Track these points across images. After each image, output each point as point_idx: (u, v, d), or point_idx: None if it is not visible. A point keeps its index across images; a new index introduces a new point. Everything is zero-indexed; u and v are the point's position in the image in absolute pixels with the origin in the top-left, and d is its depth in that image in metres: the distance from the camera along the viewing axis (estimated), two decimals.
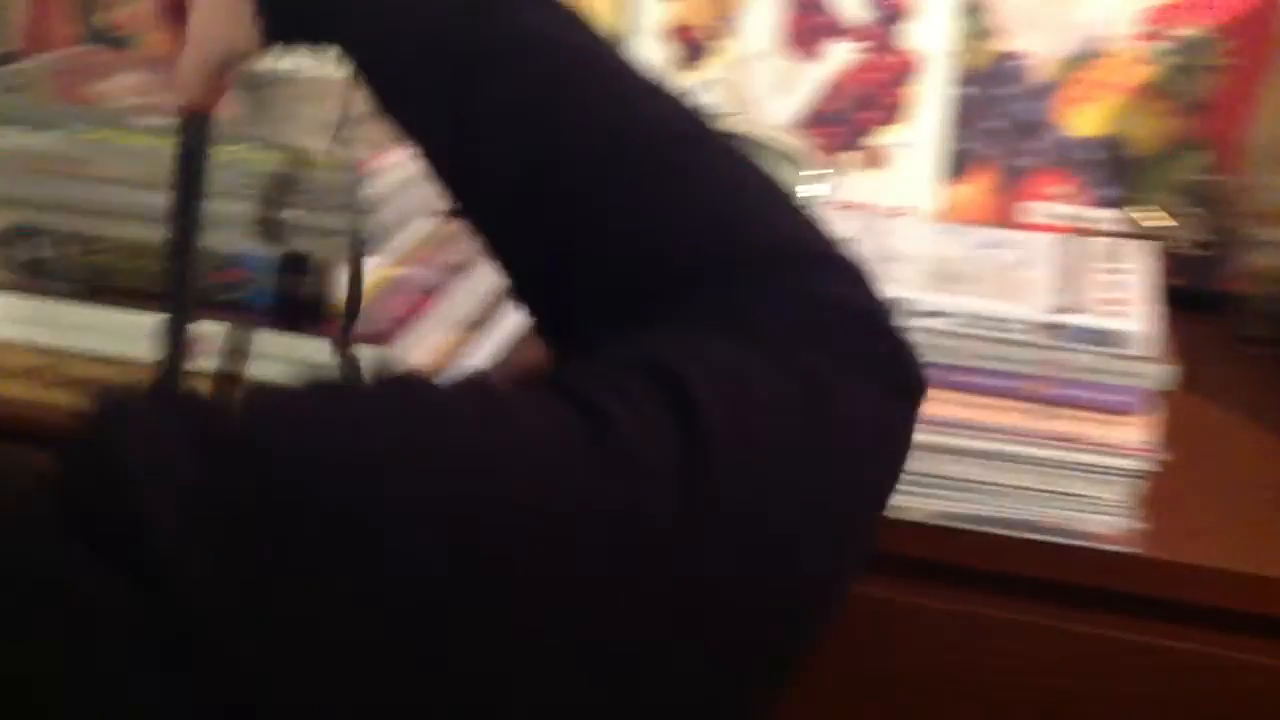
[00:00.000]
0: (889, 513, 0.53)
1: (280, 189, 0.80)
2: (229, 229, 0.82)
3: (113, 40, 1.21)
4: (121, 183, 0.83)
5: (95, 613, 0.36)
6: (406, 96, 0.57)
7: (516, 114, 0.54)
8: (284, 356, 0.83)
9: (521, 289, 0.57)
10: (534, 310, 0.57)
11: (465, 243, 0.93)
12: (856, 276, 0.53)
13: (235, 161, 0.81)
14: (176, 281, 0.79)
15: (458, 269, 0.92)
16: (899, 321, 0.53)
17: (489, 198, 0.56)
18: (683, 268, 0.52)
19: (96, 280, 0.88)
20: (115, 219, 0.85)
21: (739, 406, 0.47)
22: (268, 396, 0.43)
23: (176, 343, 0.83)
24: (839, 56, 1.09)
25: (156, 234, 0.81)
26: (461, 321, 0.91)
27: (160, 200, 0.69)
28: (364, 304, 0.86)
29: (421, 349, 0.86)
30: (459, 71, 0.55)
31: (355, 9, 0.57)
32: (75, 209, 0.85)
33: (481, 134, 0.54)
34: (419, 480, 0.40)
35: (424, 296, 0.88)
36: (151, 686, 0.35)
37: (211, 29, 0.61)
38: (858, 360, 0.51)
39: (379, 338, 0.83)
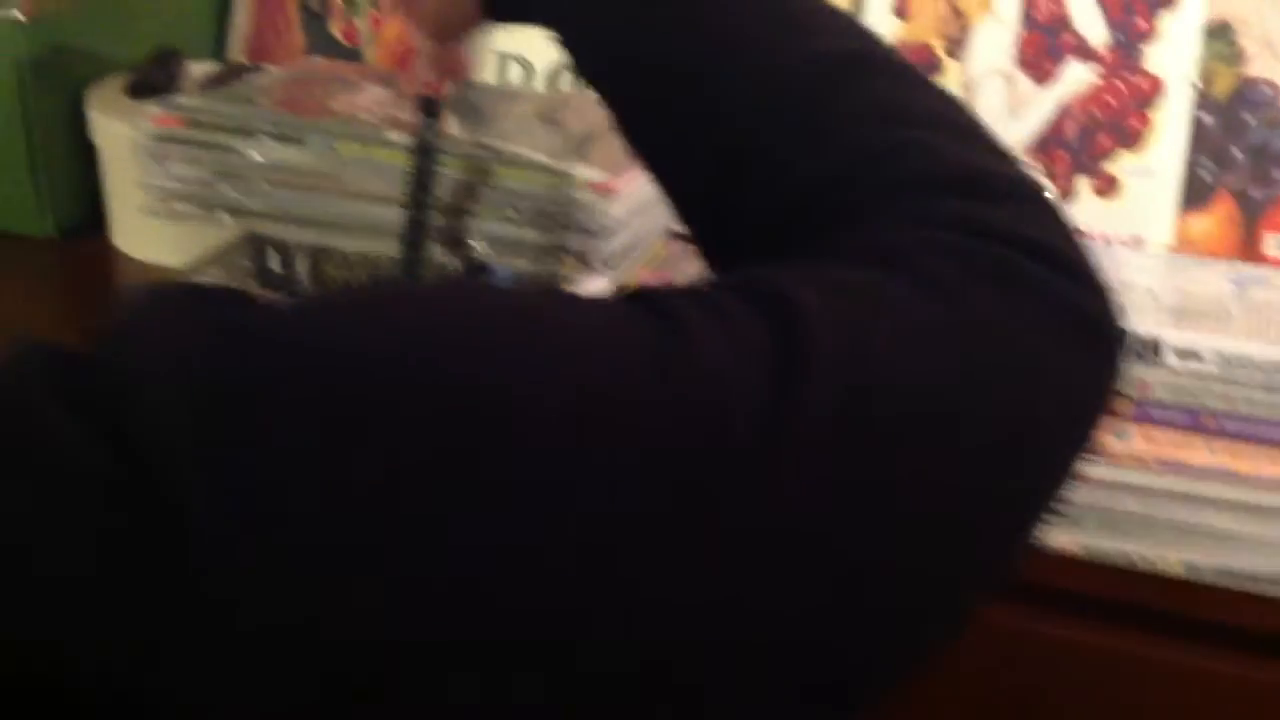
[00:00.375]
0: (1132, 564, 0.49)
1: (527, 206, 0.80)
2: (474, 243, 0.83)
3: (340, 52, 1.23)
4: (364, 197, 0.84)
5: (69, 467, 0.33)
6: (598, 49, 0.59)
7: (687, 43, 0.55)
8: None
9: (686, 217, 0.57)
10: (697, 240, 0.57)
11: (688, 264, 0.93)
12: (1045, 213, 0.48)
13: (486, 179, 0.82)
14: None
15: None
16: (1096, 267, 0.47)
17: (652, 122, 0.57)
18: (831, 195, 0.50)
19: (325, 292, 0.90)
20: (352, 232, 0.86)
21: (856, 316, 0.41)
22: (323, 295, 0.40)
23: None
24: (1075, 79, 1.06)
25: (393, 247, 0.83)
26: None
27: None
28: None
29: None
30: (634, 14, 0.56)
31: None
32: (313, 221, 0.86)
33: (655, 65, 0.56)
34: (424, 380, 0.35)
35: None
36: (119, 550, 0.33)
37: (433, 8, 0.66)
38: (1033, 299, 0.44)
39: None
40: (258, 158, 0.86)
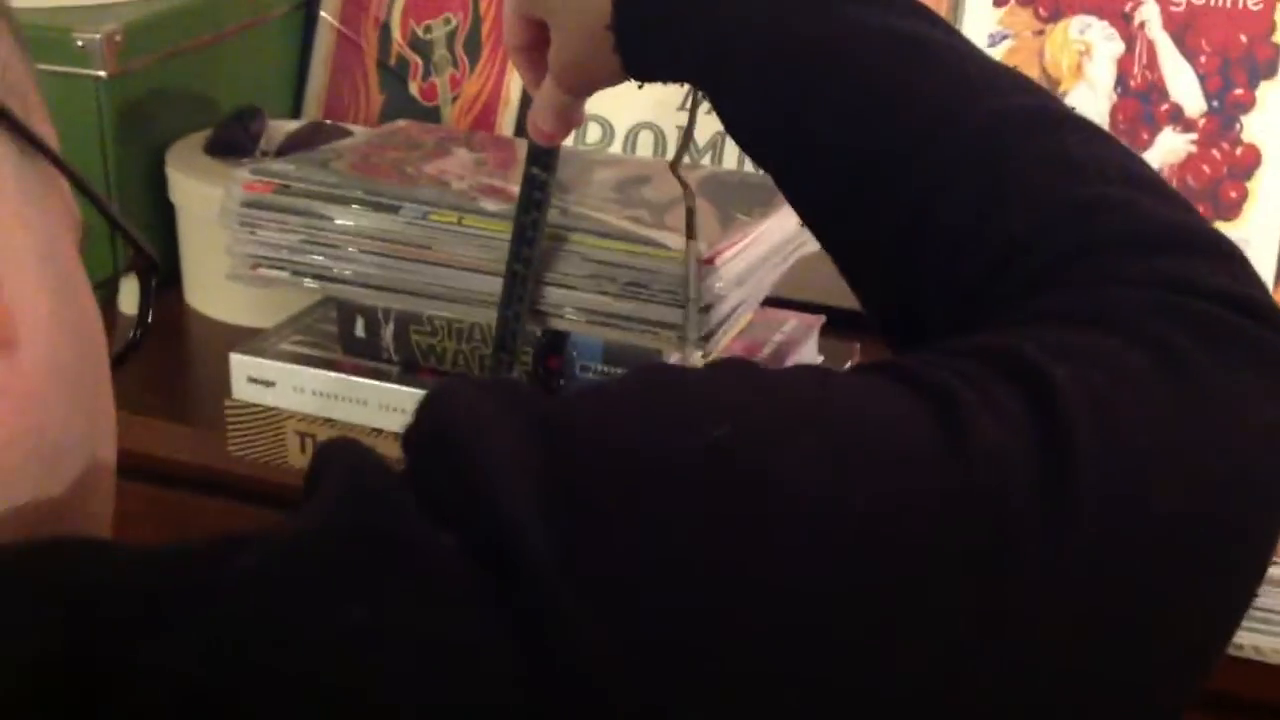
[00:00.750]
0: None
1: (620, 278, 0.79)
2: (564, 313, 0.82)
3: (419, 111, 1.23)
4: (455, 265, 0.82)
5: (447, 579, 0.34)
6: (747, 108, 0.59)
7: (854, 105, 0.55)
8: None
9: (861, 281, 0.57)
10: (868, 300, 0.56)
11: (770, 331, 0.91)
12: (1235, 263, 0.49)
13: (575, 248, 0.80)
14: (506, 337, 0.79)
15: (774, 358, 0.89)
16: None
17: (826, 185, 0.56)
18: (1034, 255, 0.49)
19: (417, 358, 0.88)
20: (442, 300, 0.85)
21: (1101, 389, 0.42)
22: (598, 386, 0.42)
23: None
24: (1169, 146, 1.04)
25: (487, 315, 0.82)
26: None
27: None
28: None
29: None
30: (793, 72, 0.56)
31: (699, 35, 0.58)
32: (403, 289, 0.85)
33: (820, 130, 0.55)
34: (770, 466, 0.38)
35: None
36: (495, 652, 0.34)
37: (573, 61, 0.64)
38: (1251, 356, 0.45)
39: None
40: (349, 225, 0.85)
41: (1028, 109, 0.53)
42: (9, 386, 0.39)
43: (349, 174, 0.88)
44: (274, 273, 0.88)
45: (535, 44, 0.67)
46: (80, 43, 1.06)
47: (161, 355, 1.08)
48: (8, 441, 0.39)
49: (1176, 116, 1.03)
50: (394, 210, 0.84)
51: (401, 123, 1.02)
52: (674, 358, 0.79)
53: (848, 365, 0.95)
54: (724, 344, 0.80)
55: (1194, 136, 1.03)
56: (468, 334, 0.85)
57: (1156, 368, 0.43)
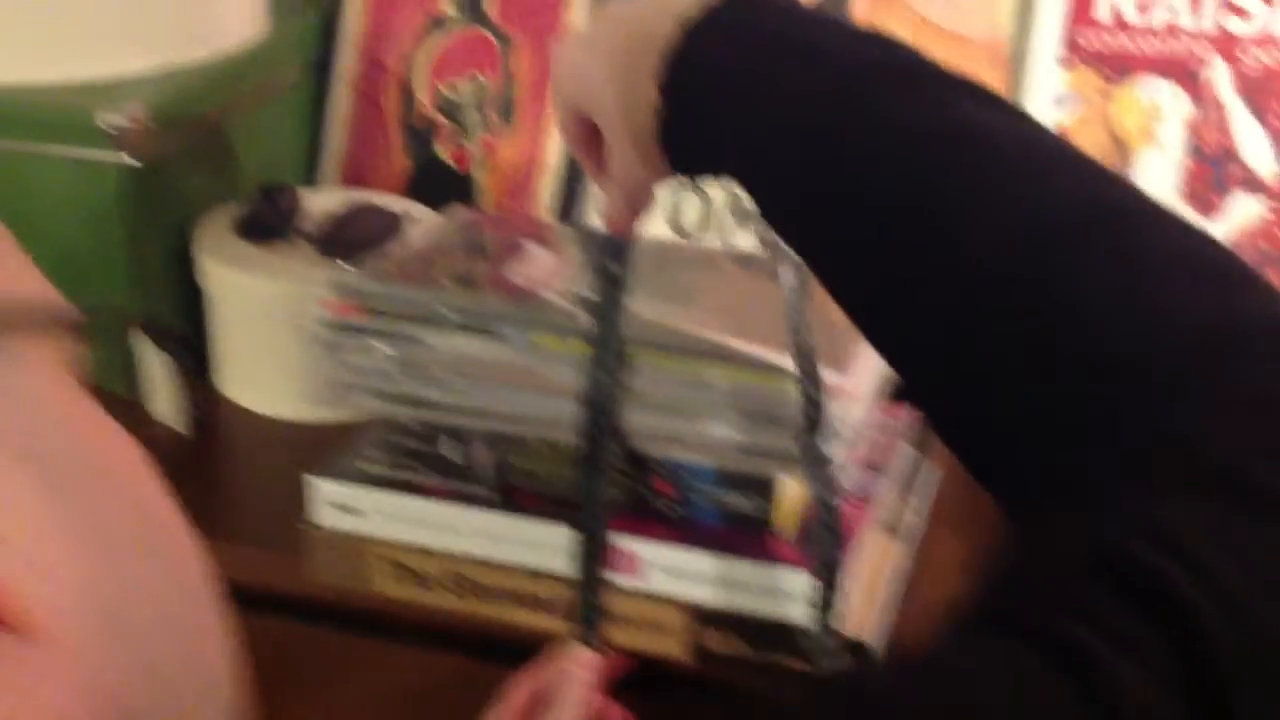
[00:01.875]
0: None
1: (740, 408, 0.75)
2: (668, 442, 0.78)
3: (449, 177, 1.17)
4: (559, 391, 0.78)
5: None
6: (789, 207, 0.59)
7: (910, 209, 0.53)
8: (723, 579, 0.78)
9: (922, 396, 0.55)
10: (941, 426, 0.54)
11: (884, 440, 0.88)
12: None
13: (682, 375, 0.77)
14: (590, 474, 0.76)
15: (877, 469, 0.86)
16: None
17: (885, 293, 0.55)
18: (1133, 371, 0.46)
19: (513, 482, 0.84)
20: (543, 424, 0.80)
21: (1257, 624, 0.39)
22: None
23: (592, 558, 0.79)
24: (1243, 212, 1.02)
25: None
26: (883, 524, 0.86)
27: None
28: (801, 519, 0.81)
29: (862, 562, 0.81)
30: (842, 171, 0.55)
31: (736, 129, 0.59)
32: (502, 414, 0.81)
33: (872, 233, 0.54)
34: None
35: (858, 502, 0.83)
36: None
37: (627, 164, 0.65)
38: None
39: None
40: (445, 349, 0.80)
41: (1104, 200, 0.51)
42: (39, 681, 0.31)
43: (435, 291, 0.83)
44: (360, 397, 0.83)
45: (590, 136, 0.68)
46: (106, 128, 1.00)
47: (208, 461, 1.02)
48: None
49: (1249, 180, 1.02)
50: (495, 335, 0.79)
51: (461, 211, 0.98)
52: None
53: (938, 454, 0.92)
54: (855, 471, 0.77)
55: (1267, 200, 1.01)
56: (569, 457, 0.81)
57: (1273, 529, 0.40)
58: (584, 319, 0.78)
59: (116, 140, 1.00)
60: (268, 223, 1.06)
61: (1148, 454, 0.44)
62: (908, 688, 0.40)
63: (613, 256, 0.76)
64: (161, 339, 0.41)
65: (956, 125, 0.54)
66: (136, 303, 1.05)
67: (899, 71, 0.57)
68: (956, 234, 0.52)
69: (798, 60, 0.58)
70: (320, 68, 1.21)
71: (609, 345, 0.76)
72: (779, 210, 0.61)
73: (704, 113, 0.61)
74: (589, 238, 0.94)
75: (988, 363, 0.50)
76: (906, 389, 0.56)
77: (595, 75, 0.64)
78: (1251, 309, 0.47)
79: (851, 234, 0.56)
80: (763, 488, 0.79)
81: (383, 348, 0.81)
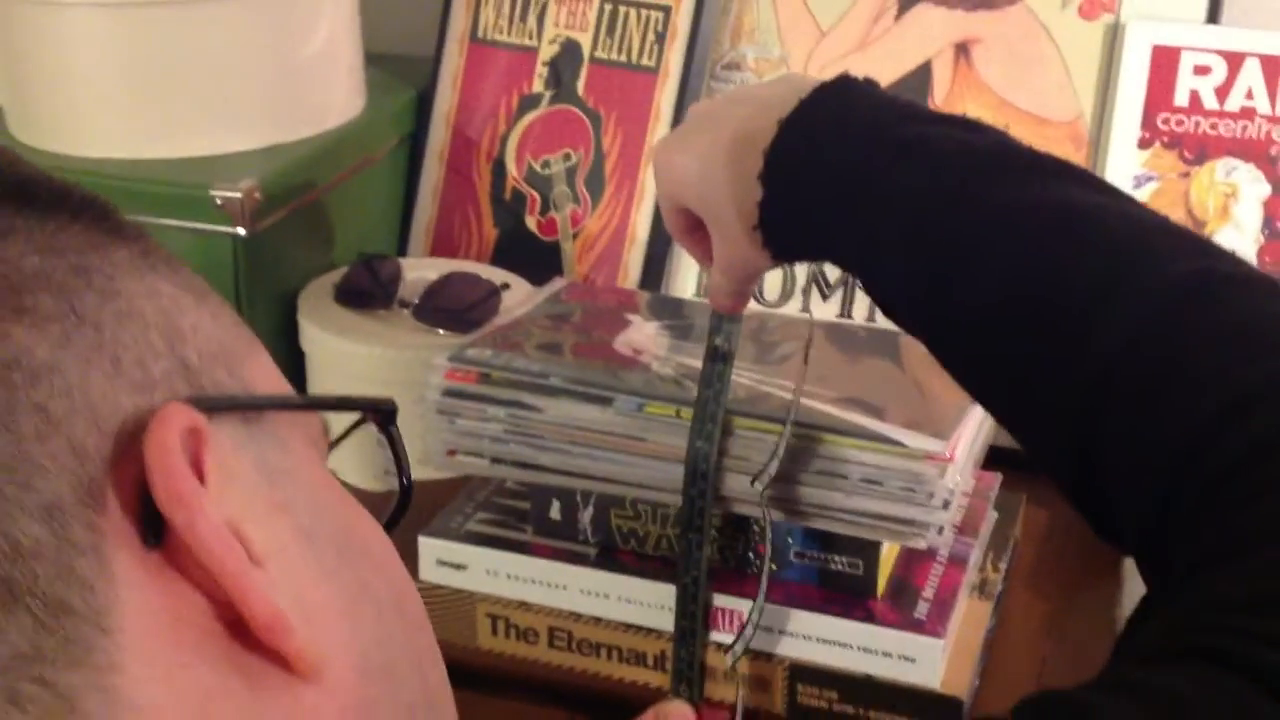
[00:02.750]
0: None
1: (853, 474, 0.78)
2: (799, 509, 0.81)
3: (538, 246, 1.21)
4: (672, 458, 0.81)
5: None
6: (902, 297, 0.62)
7: (1015, 292, 0.55)
8: (821, 637, 0.81)
9: (1050, 470, 0.57)
10: (1040, 459, 0.57)
11: (973, 505, 0.91)
12: None
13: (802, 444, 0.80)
14: (691, 535, 0.79)
15: (968, 533, 0.89)
16: None
17: (1001, 381, 0.58)
18: (1223, 447, 0.47)
19: (616, 541, 0.87)
20: (650, 488, 0.83)
21: None
22: None
23: (689, 616, 0.82)
24: None
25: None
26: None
27: None
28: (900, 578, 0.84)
29: (957, 621, 0.83)
30: (943, 265, 0.58)
31: (840, 222, 0.62)
32: (610, 477, 0.84)
33: (977, 322, 0.57)
34: None
35: (954, 565, 0.86)
36: None
37: (731, 255, 0.69)
38: None
39: (929, 625, 0.80)
40: (556, 416, 0.83)
41: (1208, 272, 0.52)
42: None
43: (548, 359, 0.86)
44: (471, 460, 0.86)
45: (694, 228, 0.71)
46: (219, 201, 1.04)
47: None
48: None
49: None
50: (606, 402, 0.83)
51: (561, 282, 1.01)
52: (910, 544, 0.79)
53: (1019, 517, 0.95)
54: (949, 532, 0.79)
55: None
56: (673, 518, 0.84)
57: None
58: (690, 388, 0.81)
59: (229, 213, 1.05)
60: (367, 290, 1.10)
61: None
62: (1129, 710, 0.41)
63: (720, 332, 0.79)
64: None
65: (1061, 206, 0.57)
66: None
67: (993, 155, 0.60)
68: (1073, 316, 0.53)
69: (893, 150, 0.61)
70: (414, 142, 1.26)
71: (715, 414, 0.79)
72: (893, 298, 0.63)
73: (809, 208, 0.64)
74: (671, 304, 0.97)
75: (1118, 439, 0.52)
76: (1033, 459, 0.58)
77: (699, 174, 0.68)
78: None
79: (966, 318, 0.58)
80: (859, 549, 0.81)
81: (498, 413, 0.84)
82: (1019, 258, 0.56)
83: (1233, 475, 0.47)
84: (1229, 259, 0.55)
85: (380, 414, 0.45)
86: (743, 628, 0.79)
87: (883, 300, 0.64)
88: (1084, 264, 0.54)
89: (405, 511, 0.46)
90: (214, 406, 0.37)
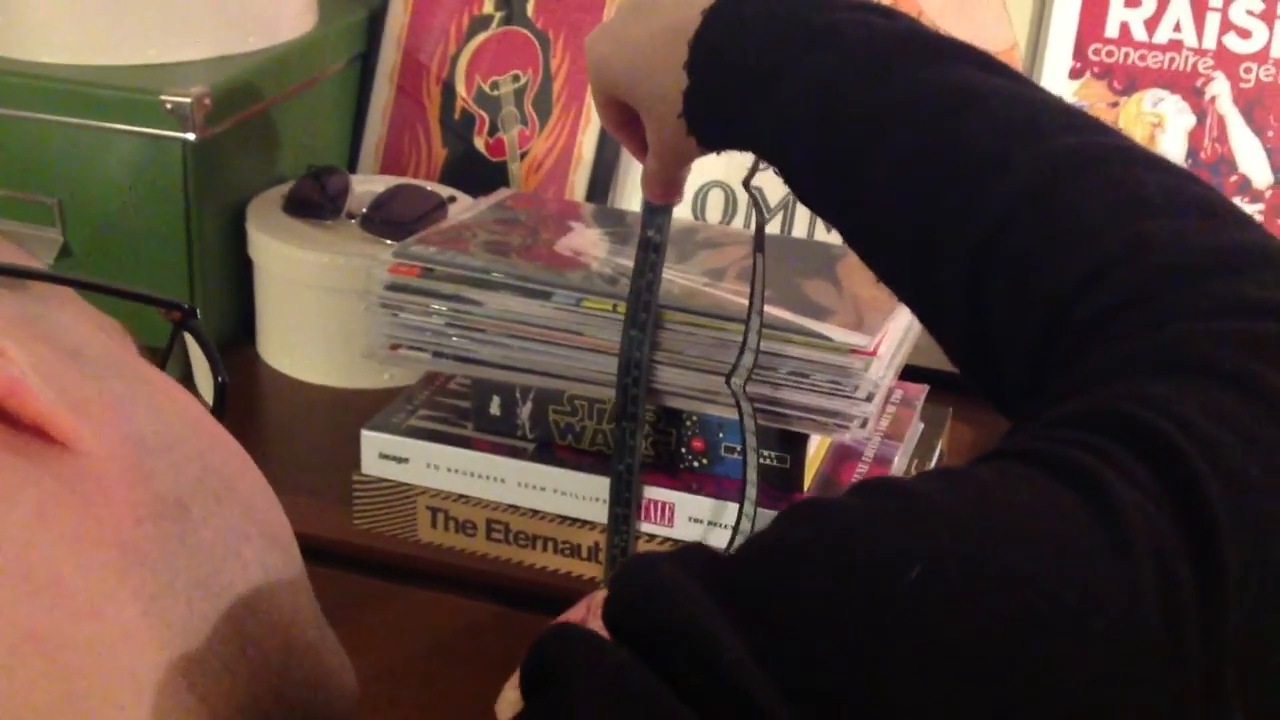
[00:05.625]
0: None
1: (780, 367, 0.81)
2: (706, 398, 0.84)
3: (487, 166, 1.23)
4: (609, 351, 0.84)
5: None
6: (813, 179, 0.65)
7: (909, 162, 0.59)
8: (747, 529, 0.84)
9: (932, 328, 0.61)
10: (947, 348, 0.60)
11: (900, 414, 0.94)
12: None
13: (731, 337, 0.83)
14: (627, 405, 0.82)
15: (895, 439, 0.92)
16: None
17: (892, 244, 0.61)
18: (1085, 304, 0.51)
19: (554, 436, 0.90)
20: (586, 381, 0.86)
21: (1216, 442, 0.43)
22: (775, 542, 0.43)
23: (624, 503, 0.85)
24: None
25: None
26: None
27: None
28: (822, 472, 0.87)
29: None
30: (857, 139, 0.61)
31: (758, 109, 0.65)
32: (547, 371, 0.86)
33: (878, 191, 0.60)
34: (967, 611, 0.40)
35: (880, 468, 0.89)
36: None
37: (661, 142, 0.72)
38: None
39: None
40: (496, 309, 0.86)
41: (1091, 145, 0.55)
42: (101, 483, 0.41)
43: (492, 258, 0.89)
44: (414, 354, 0.89)
45: (628, 120, 0.75)
46: (169, 106, 1.06)
47: (253, 423, 1.08)
48: None
49: (1245, 187, 1.08)
50: (545, 296, 0.85)
51: (506, 192, 1.03)
52: (834, 438, 0.81)
53: (945, 429, 0.98)
54: (872, 425, 0.82)
55: (1261, 207, 1.08)
56: (608, 413, 0.87)
57: (1246, 403, 0.44)
58: (626, 282, 0.84)
59: (180, 119, 1.06)
60: (315, 201, 1.12)
61: (1144, 349, 0.48)
62: (939, 486, 0.43)
63: (652, 224, 0.82)
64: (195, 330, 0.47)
65: (961, 88, 0.59)
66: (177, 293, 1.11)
67: (901, 40, 0.62)
68: (966, 186, 0.56)
69: (806, 38, 0.63)
70: (365, 62, 1.28)
71: (649, 303, 0.82)
72: (806, 180, 0.66)
73: (730, 96, 0.66)
74: (613, 214, 1.00)
75: (1001, 296, 0.55)
76: (930, 327, 0.62)
77: (629, 64, 0.71)
78: (1239, 237, 0.51)
79: (869, 195, 0.61)
80: (786, 443, 0.84)
81: (440, 307, 0.87)
82: (918, 135, 0.59)
83: (1092, 330, 0.50)
84: (1115, 134, 0.58)
85: (177, 312, 0.51)
86: (736, 523, 0.82)
87: (797, 186, 0.67)
88: (979, 139, 0.57)
89: (223, 400, 0.52)
90: None
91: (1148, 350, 0.48)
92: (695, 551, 0.42)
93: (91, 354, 0.45)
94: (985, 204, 0.56)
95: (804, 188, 0.67)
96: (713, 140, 0.70)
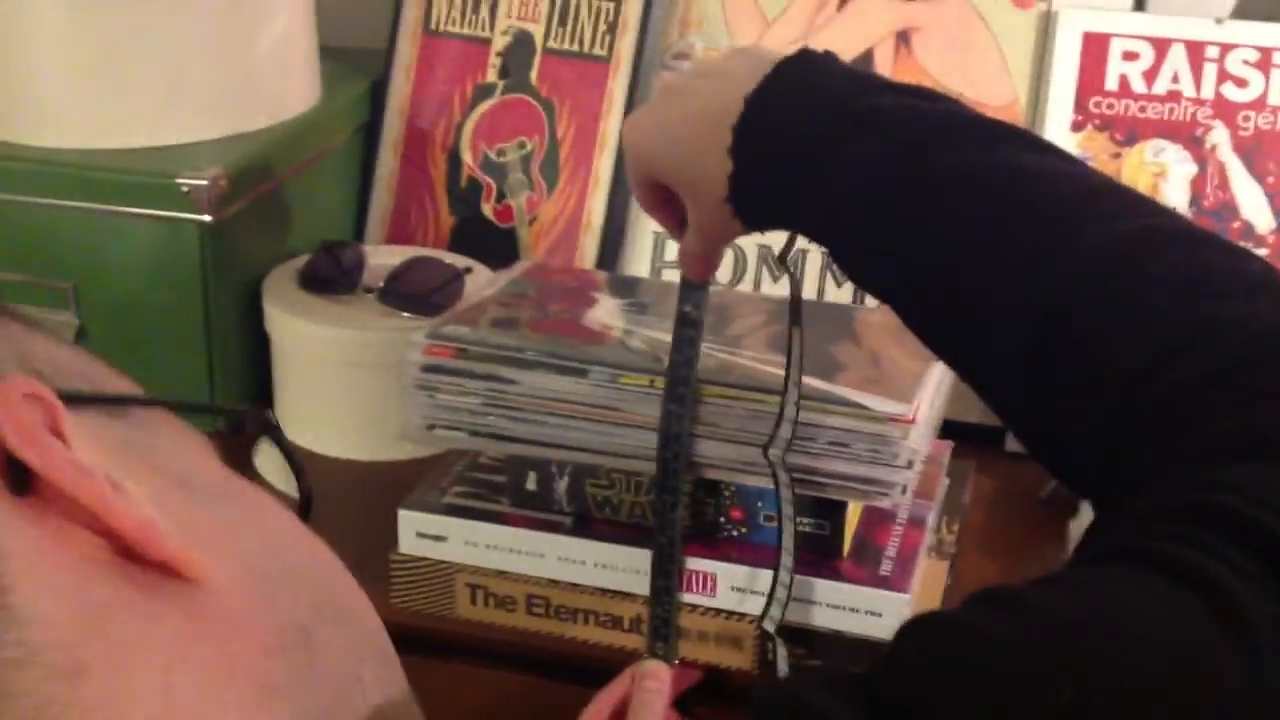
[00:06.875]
0: None
1: (820, 438, 0.82)
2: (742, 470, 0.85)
3: (495, 233, 1.24)
4: (647, 426, 0.85)
5: None
6: (861, 262, 0.66)
7: (964, 255, 0.60)
8: (791, 596, 0.85)
9: (998, 407, 0.62)
10: (1006, 417, 0.61)
11: (930, 471, 0.95)
12: None
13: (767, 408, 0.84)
14: (665, 500, 0.83)
15: (927, 497, 0.93)
16: None
17: (955, 334, 0.62)
18: (1158, 384, 0.51)
19: (591, 510, 0.90)
20: (624, 456, 0.87)
21: None
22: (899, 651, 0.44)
23: (665, 575, 0.85)
24: None
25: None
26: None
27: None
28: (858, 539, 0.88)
29: (919, 581, 0.87)
30: (899, 230, 0.62)
31: (803, 193, 0.66)
32: (584, 447, 0.87)
33: (934, 281, 0.61)
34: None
35: (915, 527, 0.90)
36: None
37: (704, 223, 0.73)
38: None
39: (895, 581, 0.84)
40: (533, 388, 0.87)
41: (1151, 229, 0.57)
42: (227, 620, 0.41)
43: (524, 335, 0.89)
44: (450, 434, 0.89)
45: (665, 200, 0.76)
46: (185, 189, 1.06)
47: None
48: None
49: (1249, 233, 1.10)
50: (581, 374, 0.86)
51: (524, 264, 1.04)
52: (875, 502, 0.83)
53: (969, 483, 1.00)
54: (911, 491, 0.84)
55: (1266, 251, 1.10)
56: (646, 486, 0.88)
57: None
58: (662, 360, 0.85)
59: (195, 201, 1.06)
60: (331, 275, 1.13)
61: (1228, 431, 0.49)
62: (1054, 594, 0.44)
63: (690, 300, 0.83)
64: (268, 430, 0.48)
65: (1012, 168, 0.61)
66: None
67: (945, 123, 0.64)
68: (1026, 265, 0.58)
69: (850, 122, 0.65)
70: (369, 132, 1.28)
71: (687, 378, 0.83)
72: (855, 263, 0.67)
73: (776, 182, 0.68)
74: (628, 282, 1.01)
75: (1067, 375, 0.56)
76: (987, 400, 0.63)
77: (671, 148, 0.72)
78: None
79: (924, 277, 0.63)
80: (825, 511, 0.85)
81: (476, 386, 0.87)
82: (971, 218, 0.60)
83: (1168, 410, 0.51)
84: (1169, 214, 0.59)
85: (259, 423, 0.53)
86: (771, 590, 0.82)
87: (848, 266, 0.68)
88: (1035, 220, 0.58)
89: (309, 508, 0.52)
90: (69, 399, 0.42)
91: (1230, 433, 0.49)
92: (836, 675, 0.43)
93: (199, 481, 0.45)
94: (1048, 284, 0.56)
95: (853, 270, 0.68)
96: (758, 222, 0.71)
